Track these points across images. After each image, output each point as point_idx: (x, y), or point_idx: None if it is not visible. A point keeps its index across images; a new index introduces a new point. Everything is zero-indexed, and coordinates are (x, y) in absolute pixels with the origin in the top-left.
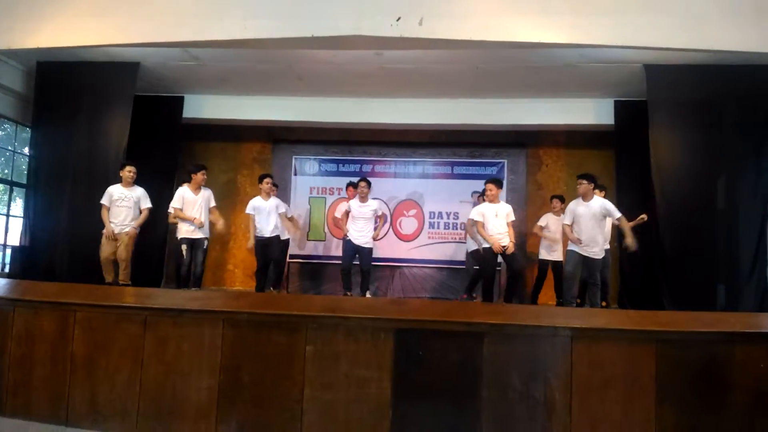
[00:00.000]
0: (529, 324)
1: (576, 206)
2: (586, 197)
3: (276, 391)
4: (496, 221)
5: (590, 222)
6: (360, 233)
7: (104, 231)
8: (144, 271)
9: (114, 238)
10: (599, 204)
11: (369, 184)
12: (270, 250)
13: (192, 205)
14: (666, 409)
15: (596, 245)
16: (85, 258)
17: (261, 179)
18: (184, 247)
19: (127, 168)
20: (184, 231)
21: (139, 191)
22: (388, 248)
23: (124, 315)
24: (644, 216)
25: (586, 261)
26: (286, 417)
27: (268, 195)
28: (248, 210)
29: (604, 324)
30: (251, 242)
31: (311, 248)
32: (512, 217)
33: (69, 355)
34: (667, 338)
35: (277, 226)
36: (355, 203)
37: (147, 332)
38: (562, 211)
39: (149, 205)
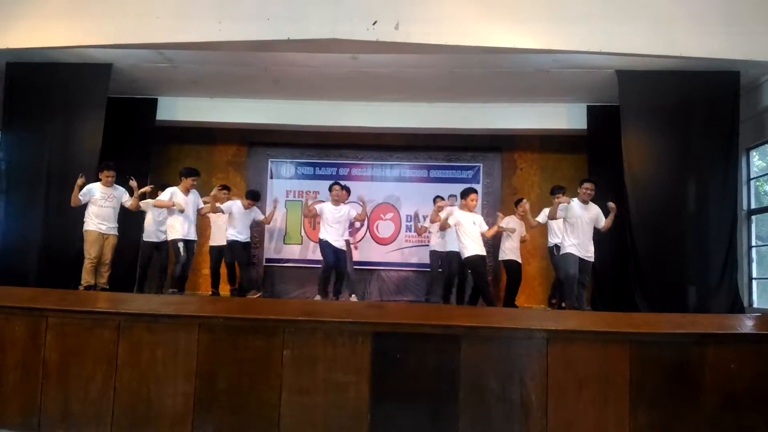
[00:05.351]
0: (505, 326)
1: (575, 206)
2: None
3: (253, 396)
4: (474, 229)
5: (586, 225)
6: (336, 237)
7: (85, 229)
8: (117, 275)
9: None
10: (596, 210)
11: (342, 188)
12: (240, 254)
13: (186, 206)
14: (639, 409)
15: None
16: (58, 263)
17: (250, 196)
18: (180, 245)
19: (106, 173)
20: (180, 231)
21: (120, 190)
22: (365, 251)
23: (97, 320)
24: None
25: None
26: (263, 423)
27: (249, 207)
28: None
29: (578, 326)
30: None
31: (288, 252)
32: (485, 227)
33: (41, 361)
34: (640, 339)
35: (247, 234)
36: (328, 207)
37: (121, 338)
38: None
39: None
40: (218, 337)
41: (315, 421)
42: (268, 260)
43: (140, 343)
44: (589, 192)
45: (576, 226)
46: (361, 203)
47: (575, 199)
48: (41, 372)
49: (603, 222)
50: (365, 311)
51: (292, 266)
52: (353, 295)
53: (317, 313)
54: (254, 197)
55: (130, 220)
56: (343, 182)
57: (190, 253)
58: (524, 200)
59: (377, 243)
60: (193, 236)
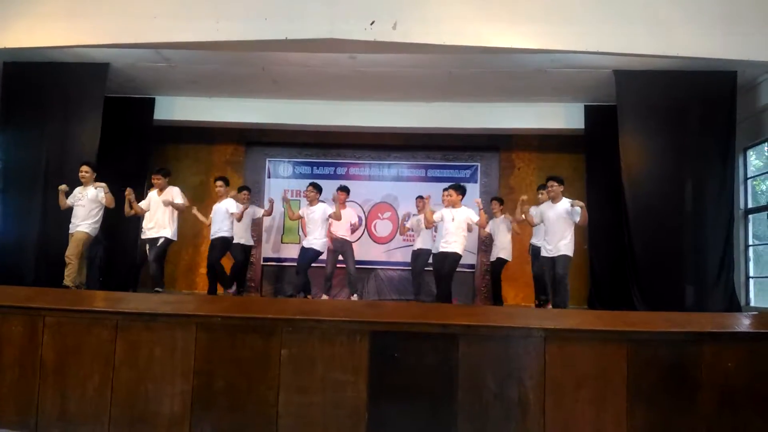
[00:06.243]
0: (503, 325)
1: (543, 207)
2: (555, 200)
3: (251, 395)
4: (451, 225)
5: (554, 223)
6: (312, 236)
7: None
8: (115, 275)
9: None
10: (564, 206)
11: (316, 188)
12: (213, 250)
13: (154, 205)
14: (637, 407)
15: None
16: (55, 262)
17: (218, 179)
18: (147, 247)
19: (81, 168)
20: (143, 232)
21: (92, 190)
22: (363, 251)
23: (94, 319)
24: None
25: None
26: (262, 422)
27: (221, 198)
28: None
29: (576, 324)
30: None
31: (285, 251)
32: (476, 218)
33: (38, 360)
34: (638, 338)
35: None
36: (305, 208)
37: (118, 337)
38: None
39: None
40: (216, 336)
41: (313, 420)
42: (266, 259)
43: (138, 342)
44: (551, 190)
45: (547, 227)
46: (333, 201)
47: (546, 203)
48: (38, 371)
49: (578, 217)
50: (363, 310)
51: (290, 265)
52: (354, 295)
53: (315, 312)
54: (223, 180)
55: (128, 219)
56: (344, 182)
57: (155, 250)
58: (496, 200)
59: (375, 242)
60: (154, 234)
